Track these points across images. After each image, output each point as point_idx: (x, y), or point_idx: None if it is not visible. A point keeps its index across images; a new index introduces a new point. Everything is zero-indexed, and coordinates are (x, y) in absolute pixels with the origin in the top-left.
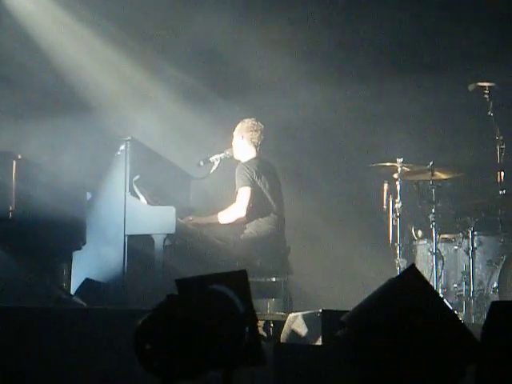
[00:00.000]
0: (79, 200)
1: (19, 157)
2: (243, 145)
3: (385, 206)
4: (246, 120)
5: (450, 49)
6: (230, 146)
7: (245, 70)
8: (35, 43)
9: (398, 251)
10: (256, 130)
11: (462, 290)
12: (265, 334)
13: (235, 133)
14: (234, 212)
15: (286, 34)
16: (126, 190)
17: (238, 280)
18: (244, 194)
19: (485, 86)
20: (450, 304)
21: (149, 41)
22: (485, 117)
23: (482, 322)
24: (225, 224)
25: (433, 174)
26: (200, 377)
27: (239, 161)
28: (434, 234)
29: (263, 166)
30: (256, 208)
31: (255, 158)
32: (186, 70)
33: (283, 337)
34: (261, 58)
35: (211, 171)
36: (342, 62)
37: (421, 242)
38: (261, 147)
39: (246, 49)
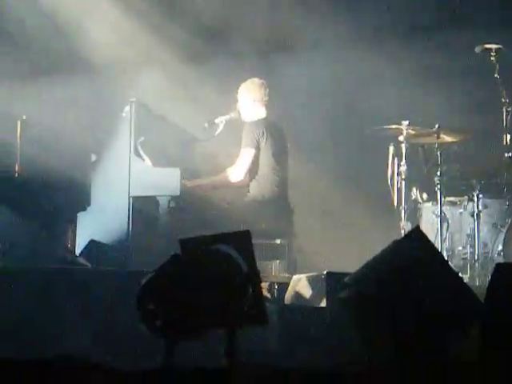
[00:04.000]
0: (84, 161)
1: (24, 118)
2: (252, 104)
3: (390, 169)
4: (253, 79)
5: (457, 10)
6: (235, 109)
7: (250, 32)
8: (39, 3)
9: (402, 214)
10: (265, 88)
11: (466, 253)
12: (269, 296)
13: (242, 93)
14: (232, 175)
15: None
16: (130, 152)
17: (242, 240)
18: (245, 156)
19: (492, 48)
20: (455, 267)
21: (156, 3)
22: (491, 79)
23: (487, 285)
24: (227, 186)
25: (438, 137)
26: (203, 336)
27: (245, 122)
28: (439, 197)
29: (270, 128)
30: (260, 170)
31: (264, 119)
32: (191, 30)
33: (287, 298)
34: (267, 19)
35: (216, 133)
36: (346, 25)
37: (426, 205)
38: (268, 107)
39: (253, 10)
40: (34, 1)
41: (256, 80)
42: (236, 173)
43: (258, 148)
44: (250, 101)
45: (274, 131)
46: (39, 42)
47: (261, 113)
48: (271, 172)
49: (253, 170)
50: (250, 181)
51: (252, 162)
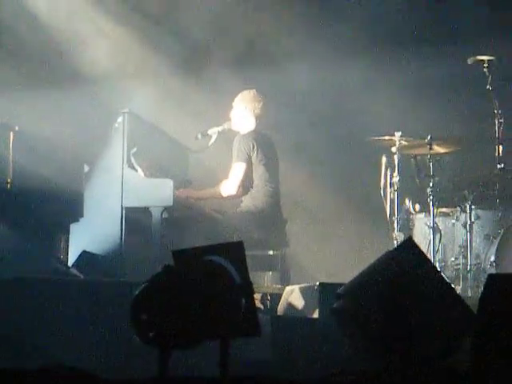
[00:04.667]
0: (77, 172)
1: (16, 128)
2: (244, 116)
3: (382, 180)
4: (249, 91)
5: (450, 22)
6: (229, 119)
7: (243, 41)
8: (33, 13)
9: (395, 225)
10: (259, 101)
11: (459, 264)
12: (262, 307)
13: (237, 103)
14: (224, 189)
15: (287, 5)
16: (123, 163)
17: (235, 251)
18: (237, 170)
19: (484, 60)
20: (448, 277)
21: (146, 12)
22: (484, 90)
23: (479, 296)
24: (219, 199)
25: (431, 148)
26: (196, 347)
27: (237, 132)
28: (431, 208)
29: (260, 139)
30: (252, 181)
31: (253, 131)
32: (184, 41)
33: (280, 309)
34: (259, 28)
35: (209, 144)
36: (339, 34)
37: (418, 216)
38: (262, 120)
39: (243, 19)
40: (29, 12)
41: (251, 92)
42: (228, 187)
43: (249, 161)
44: (242, 110)
45: (264, 142)
46: (33, 52)
47: (251, 124)
48: (264, 183)
49: (246, 183)
50: (244, 194)
51: (244, 176)
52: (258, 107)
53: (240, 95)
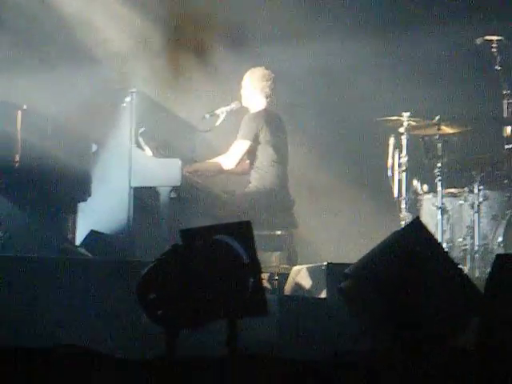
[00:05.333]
0: (85, 152)
1: (24, 107)
2: (254, 94)
3: (390, 160)
4: (258, 68)
5: (458, 1)
6: (236, 100)
7: (251, 22)
8: None
9: (403, 205)
10: (267, 80)
11: (466, 245)
12: (269, 287)
13: (246, 81)
14: (223, 162)
15: None
16: (131, 142)
17: (243, 231)
18: (239, 147)
19: (493, 40)
20: (455, 258)
21: None
22: (492, 71)
23: (486, 276)
24: (220, 172)
25: (439, 129)
26: (204, 326)
27: (247, 110)
28: (439, 189)
29: (270, 119)
30: (260, 161)
31: (263, 110)
32: (192, 21)
33: (288, 289)
34: (265, 8)
35: (217, 124)
36: (347, 13)
37: (426, 197)
38: (272, 98)
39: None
40: None
41: (260, 69)
42: (226, 162)
43: (255, 140)
44: (251, 88)
45: (274, 123)
46: (39, 31)
47: (261, 103)
48: (272, 164)
49: (253, 162)
50: (249, 171)
51: (248, 153)
52: (266, 86)
53: (249, 73)
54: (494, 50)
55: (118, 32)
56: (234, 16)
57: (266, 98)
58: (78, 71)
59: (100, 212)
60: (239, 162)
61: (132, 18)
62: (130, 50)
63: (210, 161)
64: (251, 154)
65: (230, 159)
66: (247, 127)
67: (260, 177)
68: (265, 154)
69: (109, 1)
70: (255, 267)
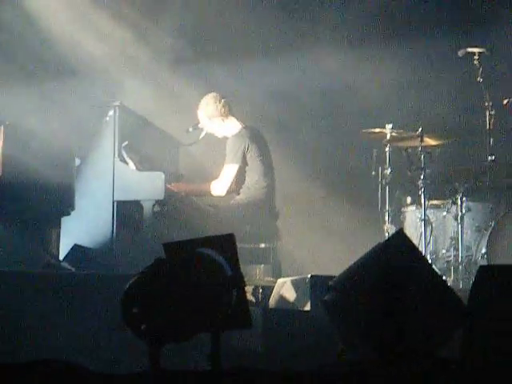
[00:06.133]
0: (68, 166)
1: (7, 123)
2: (220, 121)
3: (374, 172)
4: (203, 99)
5: (440, 14)
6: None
7: (235, 35)
8: (23, 6)
9: (386, 217)
10: (220, 100)
11: (450, 256)
12: (254, 300)
13: (203, 116)
14: (214, 189)
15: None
16: (114, 156)
17: (226, 244)
18: (229, 172)
19: (474, 52)
20: (439, 270)
21: (138, 5)
22: (474, 82)
23: (470, 288)
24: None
25: (422, 140)
26: (188, 340)
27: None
28: (422, 200)
29: (254, 136)
30: (244, 178)
31: (244, 128)
32: (175, 34)
33: (272, 302)
34: (252, 22)
35: (200, 137)
36: (331, 27)
37: (409, 209)
38: (236, 115)
39: (237, 12)
40: (19, 5)
41: (205, 98)
42: (218, 188)
43: (243, 162)
44: (212, 118)
45: (257, 138)
46: (23, 46)
47: (234, 124)
48: (258, 178)
49: (239, 182)
50: (238, 193)
51: (237, 176)
52: (222, 107)
53: (200, 108)
54: (476, 62)
55: (101, 46)
56: (219, 31)
57: (226, 115)
58: (61, 86)
59: (83, 226)
60: (231, 187)
61: (116, 32)
62: (113, 64)
63: (202, 184)
64: (237, 179)
65: (221, 185)
66: (233, 150)
67: (245, 190)
68: (251, 169)
69: (93, 15)
70: (239, 280)
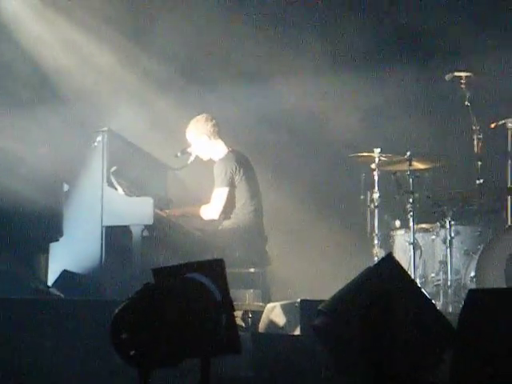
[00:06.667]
0: (56, 191)
1: None
2: (207, 143)
3: (362, 196)
4: (196, 117)
5: (427, 39)
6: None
7: (224, 60)
8: (11, 32)
9: (375, 241)
10: (209, 121)
11: (439, 280)
12: (243, 324)
13: (191, 135)
14: (206, 213)
15: (265, 23)
16: (103, 181)
17: (215, 269)
18: (220, 196)
19: (462, 76)
20: (428, 293)
21: (126, 30)
22: (462, 106)
23: (459, 311)
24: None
25: (410, 164)
26: (177, 365)
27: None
28: (411, 224)
29: (239, 158)
30: (234, 201)
31: (231, 152)
32: (163, 60)
33: (261, 327)
34: (240, 47)
35: (188, 162)
36: (319, 53)
37: (398, 232)
38: (222, 137)
39: (225, 38)
40: (7, 31)
41: (196, 119)
42: (211, 212)
43: (232, 185)
44: (202, 137)
45: (244, 162)
46: (11, 72)
47: (221, 147)
48: (245, 202)
49: (227, 210)
50: (225, 218)
51: (227, 201)
52: (212, 127)
53: (189, 128)
54: (463, 86)
55: (89, 72)
56: (210, 56)
57: (216, 137)
58: (49, 111)
59: (72, 251)
60: (223, 211)
61: (103, 58)
62: (101, 89)
63: (193, 209)
64: (228, 202)
65: (213, 210)
66: (221, 174)
67: (234, 215)
68: (239, 193)
69: (82, 41)
70: (228, 305)
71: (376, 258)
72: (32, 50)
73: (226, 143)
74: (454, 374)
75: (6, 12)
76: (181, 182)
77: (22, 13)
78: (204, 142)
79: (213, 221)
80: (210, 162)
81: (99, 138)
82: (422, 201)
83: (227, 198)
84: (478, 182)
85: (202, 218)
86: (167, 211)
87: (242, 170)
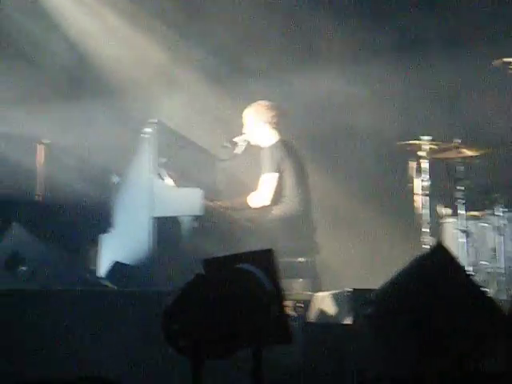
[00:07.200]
0: (106, 183)
1: (45, 141)
2: (264, 130)
3: (412, 185)
4: (259, 102)
5: (476, 24)
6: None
7: (266, 50)
8: (60, 27)
9: (426, 229)
10: (273, 109)
11: (491, 267)
12: (293, 314)
13: (250, 118)
14: (256, 200)
15: (310, 10)
16: (152, 173)
17: (265, 258)
18: (268, 182)
19: (510, 62)
20: (480, 281)
21: (173, 22)
22: (510, 92)
23: None
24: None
25: (460, 152)
26: (229, 356)
27: (261, 147)
28: (462, 212)
29: (288, 149)
30: (283, 191)
31: (280, 141)
32: (211, 51)
33: (312, 316)
34: (283, 40)
35: (237, 152)
36: (365, 36)
37: (449, 220)
38: (279, 129)
39: (266, 28)
40: (57, 25)
41: (262, 102)
42: (260, 199)
43: (279, 171)
44: (260, 123)
45: (292, 152)
46: (59, 65)
47: (273, 135)
48: (294, 193)
49: (276, 196)
50: (275, 205)
51: (275, 187)
52: (274, 116)
53: (251, 109)
54: None
55: (137, 64)
56: (255, 45)
57: (275, 128)
58: (98, 103)
59: (122, 243)
60: (273, 196)
61: (150, 49)
62: (148, 80)
63: (242, 199)
64: (277, 189)
65: (263, 196)
66: (269, 160)
67: (282, 205)
68: (287, 183)
69: (130, 34)
70: (279, 295)
71: (427, 247)
72: (79, 42)
73: (279, 133)
74: (509, 360)
75: (54, 3)
76: (230, 172)
77: (69, 5)
78: (260, 128)
79: (263, 207)
80: (259, 152)
81: (148, 130)
82: (473, 188)
83: (276, 185)
84: None
85: (251, 207)
86: (218, 203)
87: (289, 160)
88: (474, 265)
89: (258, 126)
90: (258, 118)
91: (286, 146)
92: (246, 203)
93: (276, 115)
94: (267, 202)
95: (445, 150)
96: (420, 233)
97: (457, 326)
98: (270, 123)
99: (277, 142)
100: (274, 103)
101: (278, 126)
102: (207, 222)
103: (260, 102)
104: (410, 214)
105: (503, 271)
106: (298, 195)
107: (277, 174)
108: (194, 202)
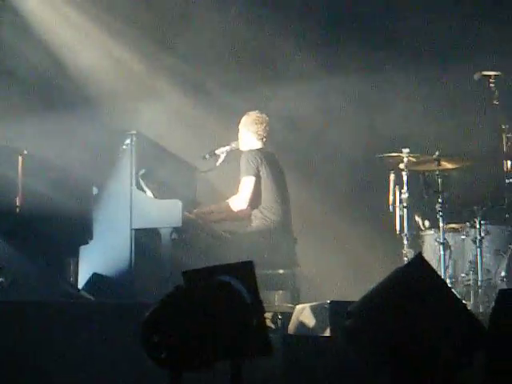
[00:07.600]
0: (85, 195)
1: (25, 152)
2: (248, 138)
3: (391, 197)
4: (251, 113)
5: (456, 37)
6: (237, 139)
7: (249, 62)
8: (37, 37)
9: (405, 241)
10: (261, 123)
11: (469, 280)
12: (273, 326)
13: (240, 126)
14: (235, 203)
15: (292, 24)
16: (131, 184)
17: (245, 271)
18: (247, 184)
19: (490, 75)
20: (458, 293)
21: (152, 33)
22: (491, 105)
23: (490, 312)
24: (231, 216)
25: (439, 164)
26: (208, 368)
27: (242, 151)
28: (440, 224)
29: (267, 157)
30: (261, 198)
31: (258, 149)
32: (190, 62)
33: (291, 328)
34: (265, 49)
35: (217, 164)
36: (346, 51)
37: (428, 232)
38: (267, 139)
39: (251, 40)
40: (34, 36)
41: (253, 113)
42: (239, 201)
43: (257, 175)
44: (245, 131)
45: (270, 160)
46: (39, 76)
47: (255, 144)
48: (273, 202)
49: (255, 199)
50: (252, 210)
51: (254, 190)
52: (260, 129)
53: (243, 118)
54: (492, 85)
55: (117, 75)
56: (236, 58)
57: (260, 139)
58: (77, 114)
59: (102, 255)
60: (251, 199)
61: (131, 60)
62: (129, 92)
63: (221, 203)
64: (255, 192)
65: (241, 199)
66: (247, 164)
67: (262, 216)
68: (266, 192)
69: (109, 44)
70: (258, 307)
71: (405, 259)
72: (58, 53)
73: (263, 144)
74: (486, 374)
75: (32, 15)
76: (210, 184)
77: (48, 16)
78: (248, 137)
79: (243, 212)
80: (239, 165)
81: (127, 141)
82: (451, 200)
83: (254, 188)
84: (507, 181)
85: (231, 217)
86: (195, 211)
87: (267, 167)
88: (453, 277)
89: (246, 135)
90: (247, 128)
91: (264, 154)
92: (224, 209)
93: (265, 130)
94: (244, 206)
95: (424, 162)
96: (399, 245)
97: (435, 339)
98: (254, 134)
99: (255, 149)
100: (267, 118)
101: (265, 137)
102: (187, 233)
103: (252, 112)
104: (390, 227)
105: (481, 284)
106: (278, 205)
107: (253, 178)
108: (173, 214)
